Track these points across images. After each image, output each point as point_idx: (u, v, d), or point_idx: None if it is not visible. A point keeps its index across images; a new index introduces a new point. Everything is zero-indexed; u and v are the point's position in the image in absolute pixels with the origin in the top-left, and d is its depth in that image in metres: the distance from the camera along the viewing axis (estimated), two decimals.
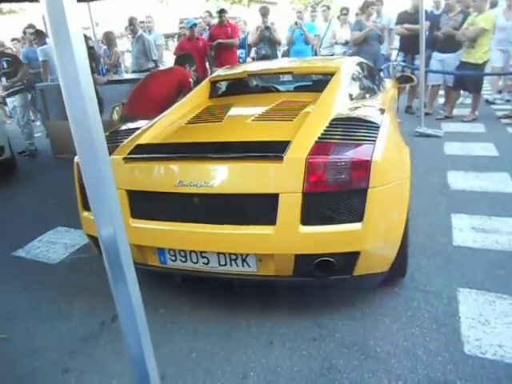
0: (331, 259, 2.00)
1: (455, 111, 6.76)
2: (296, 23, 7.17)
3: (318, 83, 3.37)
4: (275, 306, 2.39)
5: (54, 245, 3.40)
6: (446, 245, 2.91)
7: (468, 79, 6.26)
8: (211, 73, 7.06)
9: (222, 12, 6.95)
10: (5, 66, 5.90)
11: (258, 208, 2.05)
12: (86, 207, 2.42)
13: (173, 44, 11.81)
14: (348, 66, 3.29)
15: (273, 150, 2.01)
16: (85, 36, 7.23)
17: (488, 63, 6.31)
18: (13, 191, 4.90)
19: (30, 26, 8.00)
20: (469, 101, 6.77)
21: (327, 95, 2.67)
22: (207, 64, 7.25)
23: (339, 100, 2.64)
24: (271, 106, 2.77)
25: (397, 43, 7.85)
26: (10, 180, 5.25)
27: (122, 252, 1.04)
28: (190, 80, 4.11)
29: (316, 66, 3.77)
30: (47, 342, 2.30)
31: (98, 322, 2.40)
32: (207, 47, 7.00)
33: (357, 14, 6.98)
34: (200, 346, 2.16)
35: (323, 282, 2.19)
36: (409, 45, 6.80)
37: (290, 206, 1.96)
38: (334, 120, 2.28)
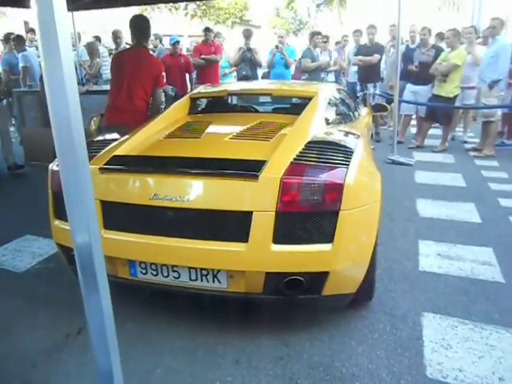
0: (301, 278, 2.03)
1: (426, 141, 6.99)
2: (277, 47, 7.35)
3: (296, 106, 3.45)
4: (244, 325, 2.40)
5: (21, 253, 3.32)
6: (412, 270, 2.99)
7: (439, 111, 6.53)
8: (191, 89, 7.12)
9: (207, 30, 7.09)
10: None
11: (231, 225, 2.07)
12: (58, 216, 2.39)
13: None
14: (326, 92, 3.39)
15: (249, 169, 2.05)
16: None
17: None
18: None
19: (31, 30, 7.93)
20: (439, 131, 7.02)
21: (304, 118, 2.75)
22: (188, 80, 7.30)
23: (316, 123, 2.72)
24: (249, 125, 2.82)
25: None
26: None
27: (96, 261, 1.04)
28: (164, 74, 3.85)
29: (295, 90, 3.87)
30: (8, 352, 2.23)
31: (63, 334, 2.34)
32: (189, 64, 7.07)
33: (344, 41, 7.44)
34: (166, 362, 2.14)
35: (292, 301, 2.21)
36: (362, 75, 7.55)
37: (262, 225, 1.99)
38: (309, 143, 2.34)
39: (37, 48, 7.60)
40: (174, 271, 2.17)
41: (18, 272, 3.05)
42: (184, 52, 8.52)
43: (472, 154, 6.46)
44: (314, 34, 7.43)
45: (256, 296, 2.16)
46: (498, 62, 5.98)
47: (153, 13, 22.83)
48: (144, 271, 2.22)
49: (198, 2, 21.12)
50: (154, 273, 2.20)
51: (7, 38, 8.03)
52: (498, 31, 6.09)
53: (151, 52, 6.08)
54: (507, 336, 2.28)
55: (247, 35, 7.24)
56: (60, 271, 2.87)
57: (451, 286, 2.77)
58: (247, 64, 7.25)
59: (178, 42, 7.04)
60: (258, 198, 2.01)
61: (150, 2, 11.21)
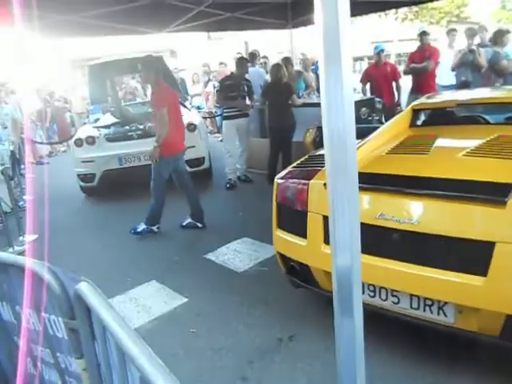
0: None
1: None
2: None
3: None
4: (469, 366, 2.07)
5: (240, 254, 3.60)
6: None
7: None
8: (398, 98, 6.75)
9: (422, 35, 6.54)
10: None
11: (466, 254, 1.84)
12: (280, 226, 2.52)
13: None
14: None
15: (493, 193, 1.79)
16: (287, 58, 7.36)
17: None
18: (207, 200, 5.02)
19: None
20: None
21: None
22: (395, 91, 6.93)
23: None
24: (485, 139, 2.45)
25: None
26: (205, 190, 5.68)
27: (354, 285, 0.98)
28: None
29: None
30: (228, 345, 2.43)
31: (275, 338, 2.44)
32: (395, 72, 6.76)
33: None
34: None
35: None
36: None
37: (507, 258, 1.70)
38: None
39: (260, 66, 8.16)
40: (393, 296, 2.04)
41: (237, 272, 3.31)
42: (392, 59, 8.16)
43: None
44: None
45: (490, 339, 1.86)
46: None
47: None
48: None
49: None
50: (372, 294, 2.10)
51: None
52: None
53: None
54: None
55: (471, 34, 6.46)
56: (273, 275, 3.01)
57: None
58: (468, 68, 6.47)
59: (382, 50, 6.80)
60: (504, 228, 1.74)
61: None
